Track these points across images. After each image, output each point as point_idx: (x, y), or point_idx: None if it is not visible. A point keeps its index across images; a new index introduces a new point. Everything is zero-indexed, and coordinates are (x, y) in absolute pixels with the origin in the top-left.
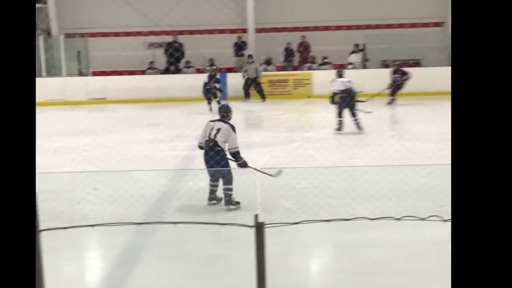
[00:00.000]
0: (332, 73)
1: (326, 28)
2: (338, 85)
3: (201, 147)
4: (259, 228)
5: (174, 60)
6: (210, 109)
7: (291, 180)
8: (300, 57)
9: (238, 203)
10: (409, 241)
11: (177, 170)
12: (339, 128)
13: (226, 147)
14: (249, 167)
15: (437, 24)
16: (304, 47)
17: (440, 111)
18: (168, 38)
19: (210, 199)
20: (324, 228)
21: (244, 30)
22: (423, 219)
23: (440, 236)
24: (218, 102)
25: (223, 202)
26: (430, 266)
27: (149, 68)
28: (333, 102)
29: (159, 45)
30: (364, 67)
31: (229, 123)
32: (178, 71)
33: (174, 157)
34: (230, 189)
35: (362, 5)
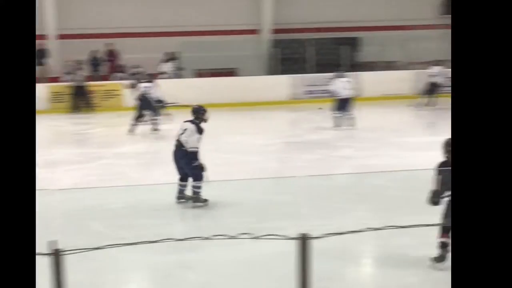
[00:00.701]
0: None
1: (137, 34)
2: (138, 90)
3: None
4: (56, 256)
5: None
6: None
7: (102, 200)
8: (108, 66)
9: (206, 200)
10: (223, 260)
11: None
12: (131, 130)
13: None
14: (201, 174)
15: (251, 32)
16: (112, 56)
17: (258, 122)
18: None
19: (179, 198)
20: (139, 251)
21: (43, 36)
22: (233, 237)
23: (253, 253)
24: None
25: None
26: (246, 285)
27: None
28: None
29: None
30: (178, 76)
31: (196, 124)
32: None
33: None
34: (199, 187)
35: (176, 11)
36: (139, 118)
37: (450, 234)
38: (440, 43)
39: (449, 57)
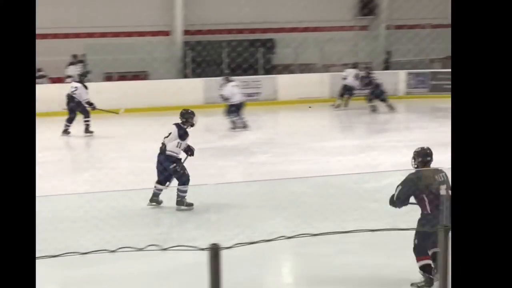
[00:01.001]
0: (50, 86)
1: (41, 36)
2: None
3: None
4: None
5: None
6: None
7: None
8: None
9: (191, 204)
10: (130, 274)
11: None
12: (66, 131)
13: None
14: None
15: (162, 33)
16: None
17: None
18: None
19: (152, 200)
20: (43, 265)
21: None
22: (140, 249)
23: (163, 266)
24: None
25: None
26: None
27: None
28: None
29: None
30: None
31: (181, 128)
32: None
33: None
34: (184, 191)
35: (82, 12)
36: (71, 119)
37: (430, 255)
38: (356, 44)
39: (365, 59)
